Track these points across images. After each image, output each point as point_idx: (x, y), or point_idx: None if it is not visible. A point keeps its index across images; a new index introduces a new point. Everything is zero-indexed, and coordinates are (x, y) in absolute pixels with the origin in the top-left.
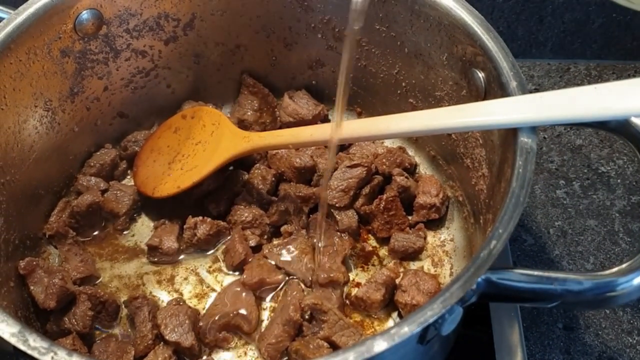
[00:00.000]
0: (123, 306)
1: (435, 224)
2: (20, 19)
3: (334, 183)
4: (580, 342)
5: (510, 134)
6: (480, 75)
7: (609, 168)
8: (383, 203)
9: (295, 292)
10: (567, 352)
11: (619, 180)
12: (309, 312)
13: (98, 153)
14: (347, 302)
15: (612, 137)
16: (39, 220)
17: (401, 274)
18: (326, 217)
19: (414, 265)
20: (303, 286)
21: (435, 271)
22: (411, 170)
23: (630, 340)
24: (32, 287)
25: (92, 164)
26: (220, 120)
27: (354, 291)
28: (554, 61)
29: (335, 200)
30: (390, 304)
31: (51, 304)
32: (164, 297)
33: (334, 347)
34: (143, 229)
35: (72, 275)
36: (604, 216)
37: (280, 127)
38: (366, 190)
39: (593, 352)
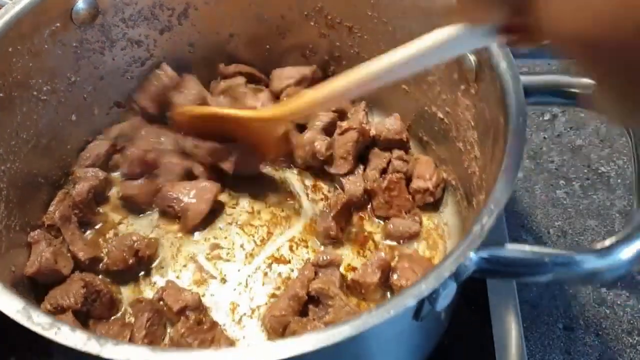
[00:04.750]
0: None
1: (429, 208)
2: (17, 8)
3: (333, 153)
4: (580, 342)
5: (501, 112)
6: (472, 58)
7: (609, 168)
8: (386, 182)
9: (306, 272)
10: (567, 352)
11: (619, 180)
12: (315, 296)
13: (91, 145)
14: (344, 285)
15: (612, 137)
16: (39, 209)
17: (396, 258)
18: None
19: (408, 249)
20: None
21: (430, 254)
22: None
23: (630, 340)
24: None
25: (86, 156)
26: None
27: (350, 275)
28: (554, 61)
29: (338, 168)
30: (386, 287)
31: (30, 270)
32: (160, 283)
33: None
34: (143, 224)
35: (80, 256)
36: (604, 216)
37: (279, 95)
38: (379, 163)
39: (593, 352)
